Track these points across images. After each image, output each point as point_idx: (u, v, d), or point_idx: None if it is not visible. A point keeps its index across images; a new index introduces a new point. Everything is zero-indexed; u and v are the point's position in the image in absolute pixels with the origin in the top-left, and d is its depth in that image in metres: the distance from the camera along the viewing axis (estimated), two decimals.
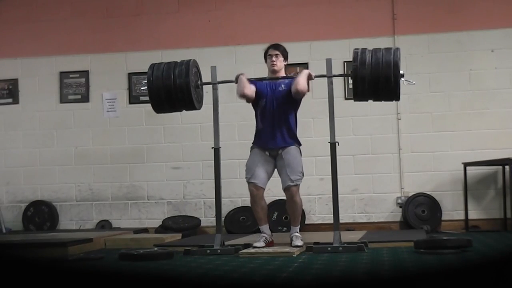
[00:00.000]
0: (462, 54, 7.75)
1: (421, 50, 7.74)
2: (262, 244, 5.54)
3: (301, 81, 5.53)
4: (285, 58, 5.77)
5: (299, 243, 5.49)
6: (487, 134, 7.63)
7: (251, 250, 5.41)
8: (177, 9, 8.19)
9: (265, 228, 5.69)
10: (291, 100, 5.63)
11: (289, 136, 5.61)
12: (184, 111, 5.88)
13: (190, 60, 5.63)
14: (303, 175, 5.66)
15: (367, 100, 5.59)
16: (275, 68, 5.69)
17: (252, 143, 5.77)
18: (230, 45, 8.03)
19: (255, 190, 5.63)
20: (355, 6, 7.91)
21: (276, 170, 5.72)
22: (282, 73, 5.76)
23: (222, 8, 8.12)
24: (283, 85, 5.65)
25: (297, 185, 5.60)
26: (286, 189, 5.60)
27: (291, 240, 5.58)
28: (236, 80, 5.71)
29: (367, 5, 7.89)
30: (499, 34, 7.70)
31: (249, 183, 5.67)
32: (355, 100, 5.60)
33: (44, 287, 3.57)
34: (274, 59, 5.68)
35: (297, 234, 5.62)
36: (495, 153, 7.35)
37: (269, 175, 5.70)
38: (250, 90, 5.61)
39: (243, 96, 5.63)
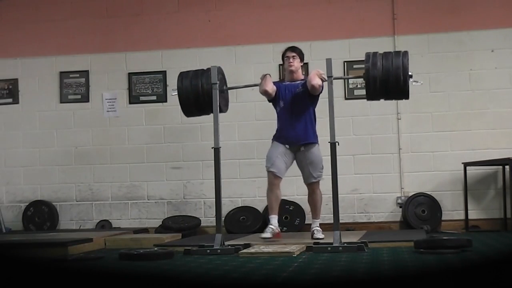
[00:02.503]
0: (462, 54, 7.74)
1: (421, 50, 7.73)
2: (268, 235, 5.99)
3: (312, 77, 6.01)
4: (301, 59, 6.29)
5: (320, 235, 6.06)
6: (487, 134, 7.63)
7: (252, 250, 5.42)
8: (177, 9, 8.19)
9: (273, 218, 6.15)
10: (308, 100, 6.14)
11: (308, 133, 6.15)
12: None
13: (216, 67, 5.92)
14: (323, 168, 6.13)
15: (378, 99, 5.91)
16: (292, 68, 6.21)
17: (273, 137, 6.25)
18: (230, 45, 8.03)
19: (274, 179, 6.15)
20: (355, 6, 7.91)
21: (295, 162, 6.23)
22: (299, 73, 6.28)
23: (222, 8, 8.12)
24: (300, 87, 6.16)
25: (319, 181, 6.19)
26: (309, 184, 6.23)
27: (312, 233, 6.16)
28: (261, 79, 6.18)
29: (367, 5, 7.89)
30: (499, 34, 7.69)
31: (268, 171, 6.16)
32: (368, 100, 5.94)
33: (44, 287, 3.57)
34: (291, 60, 6.21)
35: (318, 228, 6.21)
36: (495, 153, 7.35)
37: (288, 166, 6.22)
38: (271, 87, 6.14)
39: (264, 91, 6.13)
